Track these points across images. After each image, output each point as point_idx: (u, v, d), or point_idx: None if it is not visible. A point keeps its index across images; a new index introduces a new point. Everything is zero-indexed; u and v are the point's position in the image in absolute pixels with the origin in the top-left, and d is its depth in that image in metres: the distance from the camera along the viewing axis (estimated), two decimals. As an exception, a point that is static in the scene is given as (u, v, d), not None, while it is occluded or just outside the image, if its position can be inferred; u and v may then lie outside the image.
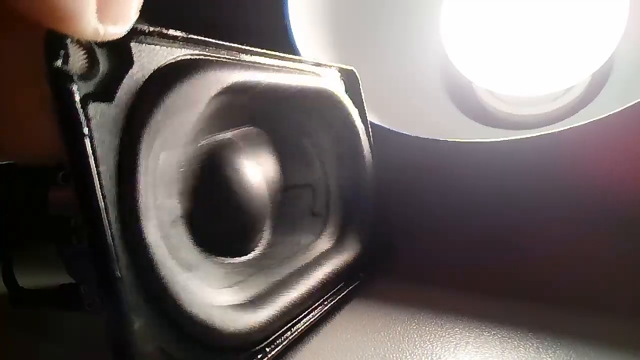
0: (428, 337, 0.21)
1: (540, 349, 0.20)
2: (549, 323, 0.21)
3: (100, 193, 0.13)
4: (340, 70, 0.28)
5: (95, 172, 0.13)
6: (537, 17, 0.33)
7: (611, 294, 0.23)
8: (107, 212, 0.13)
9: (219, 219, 0.21)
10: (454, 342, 0.21)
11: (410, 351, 0.20)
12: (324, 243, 0.25)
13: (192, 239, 0.19)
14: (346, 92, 0.27)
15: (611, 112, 0.25)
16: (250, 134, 0.23)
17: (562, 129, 0.26)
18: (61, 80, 0.12)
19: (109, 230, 0.13)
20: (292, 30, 0.34)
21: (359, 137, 0.27)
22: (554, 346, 0.20)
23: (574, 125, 0.26)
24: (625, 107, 0.25)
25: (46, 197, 0.20)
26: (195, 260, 0.19)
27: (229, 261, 0.22)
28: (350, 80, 0.28)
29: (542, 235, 0.28)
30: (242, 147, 0.23)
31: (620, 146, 0.28)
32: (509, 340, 0.20)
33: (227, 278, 0.20)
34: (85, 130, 0.13)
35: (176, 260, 0.16)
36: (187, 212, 0.19)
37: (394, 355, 0.20)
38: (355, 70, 0.28)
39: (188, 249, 0.19)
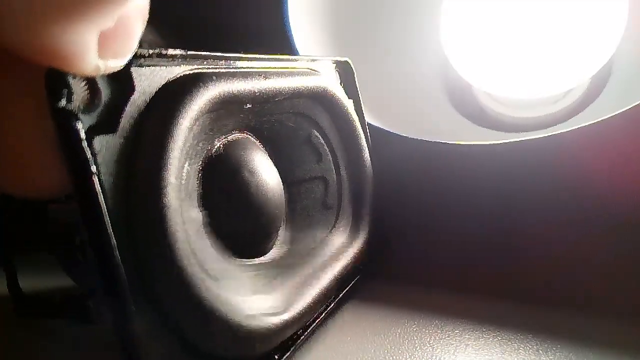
0: (428, 339, 0.21)
1: (540, 351, 0.20)
2: (549, 325, 0.21)
3: (110, 229, 0.13)
4: (335, 62, 0.28)
5: (104, 208, 0.13)
6: (537, 20, 0.33)
7: (611, 296, 0.23)
8: (118, 249, 0.13)
9: (236, 220, 0.21)
10: (454, 344, 0.21)
11: (410, 353, 0.20)
12: (339, 236, 0.26)
13: (214, 246, 0.19)
14: (341, 83, 0.28)
15: (611, 115, 0.25)
16: (255, 135, 0.24)
17: (562, 131, 0.26)
18: (66, 119, 0.12)
19: (122, 268, 0.13)
20: (292, 31, 0.34)
21: (356, 130, 0.27)
22: (554, 348, 0.20)
23: (574, 127, 0.26)
24: (624, 109, 0.25)
25: (49, 212, 0.20)
26: (220, 268, 0.19)
27: (250, 263, 0.22)
28: (345, 72, 0.28)
29: (541, 237, 0.28)
30: (252, 147, 0.23)
31: (619, 148, 0.28)
32: (509, 342, 0.20)
33: (253, 282, 0.20)
34: (94, 169, 0.13)
35: (205, 272, 0.16)
36: (208, 220, 0.19)
37: (394, 357, 0.20)
38: (349, 61, 0.28)
39: (213, 257, 0.19)
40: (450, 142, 0.29)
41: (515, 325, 0.21)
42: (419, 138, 0.30)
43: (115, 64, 0.13)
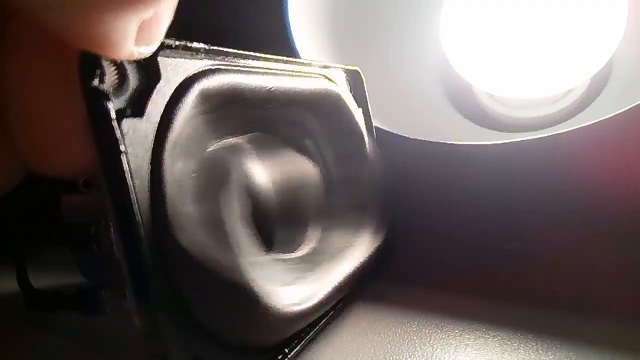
0: (428, 339, 0.21)
1: (540, 351, 0.20)
2: (549, 325, 0.21)
3: (137, 207, 0.14)
4: (346, 71, 0.28)
5: (132, 187, 0.13)
6: (537, 20, 0.33)
7: (611, 296, 0.23)
8: (143, 226, 0.14)
9: (271, 214, 0.21)
10: (454, 344, 0.21)
11: (410, 353, 0.20)
12: (364, 238, 0.26)
13: (251, 239, 0.20)
14: (351, 91, 0.28)
15: (611, 115, 0.25)
16: (276, 135, 0.24)
17: (562, 131, 0.26)
18: (98, 99, 0.13)
19: (147, 245, 0.14)
20: (292, 32, 0.34)
21: (364, 136, 0.28)
22: (554, 348, 0.20)
23: (574, 127, 0.26)
24: (625, 109, 0.25)
25: (64, 203, 0.20)
26: (256, 258, 0.19)
27: (282, 257, 0.22)
28: (355, 80, 0.29)
29: (542, 237, 0.28)
30: (291, 144, 0.24)
31: (620, 149, 0.28)
32: (509, 342, 0.20)
33: (284, 275, 0.21)
34: (122, 148, 0.13)
35: (243, 259, 0.17)
36: (244, 211, 0.19)
37: (394, 357, 0.20)
38: (359, 70, 0.29)
39: (250, 249, 0.19)
40: (450, 143, 0.29)
41: (515, 325, 0.21)
42: (418, 138, 0.30)
43: (146, 50, 0.13)
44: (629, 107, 0.25)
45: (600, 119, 0.26)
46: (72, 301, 0.20)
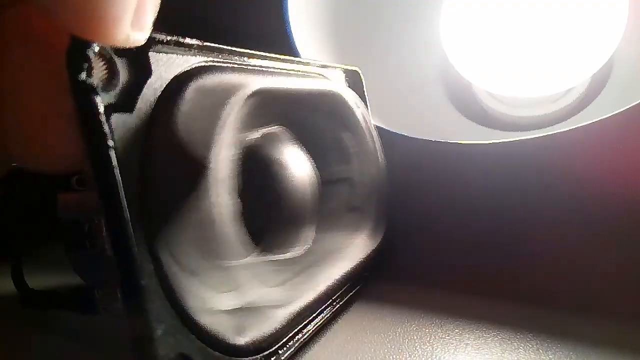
0: (428, 339, 0.21)
1: (540, 351, 0.20)
2: (549, 325, 0.21)
3: (125, 203, 0.13)
4: (345, 71, 0.28)
5: (120, 183, 0.13)
6: (537, 19, 0.33)
7: (610, 296, 0.23)
8: (131, 222, 0.13)
9: (263, 215, 0.21)
10: (454, 344, 0.21)
11: (409, 352, 0.20)
12: (360, 239, 0.26)
13: (242, 238, 0.19)
14: None
15: (611, 114, 0.25)
16: (274, 134, 0.24)
17: (562, 130, 0.26)
18: (86, 93, 0.12)
19: (134, 241, 0.13)
20: (292, 32, 0.34)
21: (365, 136, 0.27)
22: (554, 347, 0.20)
23: (574, 126, 0.26)
24: (625, 108, 0.25)
25: (58, 201, 0.20)
26: (245, 260, 0.19)
27: (275, 258, 0.22)
28: (354, 81, 0.29)
29: (542, 236, 0.28)
30: (287, 141, 0.23)
31: (620, 148, 0.28)
32: (509, 342, 0.20)
33: (277, 276, 0.21)
34: (111, 143, 0.13)
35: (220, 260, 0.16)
36: (237, 211, 0.19)
37: (394, 356, 0.20)
38: (359, 71, 0.29)
39: (235, 248, 0.19)
40: (450, 142, 0.29)
41: (516, 324, 0.21)
42: (418, 137, 0.30)
43: (140, 36, 0.13)
44: (629, 106, 0.25)
45: (600, 118, 0.26)
46: (65, 300, 0.20)
